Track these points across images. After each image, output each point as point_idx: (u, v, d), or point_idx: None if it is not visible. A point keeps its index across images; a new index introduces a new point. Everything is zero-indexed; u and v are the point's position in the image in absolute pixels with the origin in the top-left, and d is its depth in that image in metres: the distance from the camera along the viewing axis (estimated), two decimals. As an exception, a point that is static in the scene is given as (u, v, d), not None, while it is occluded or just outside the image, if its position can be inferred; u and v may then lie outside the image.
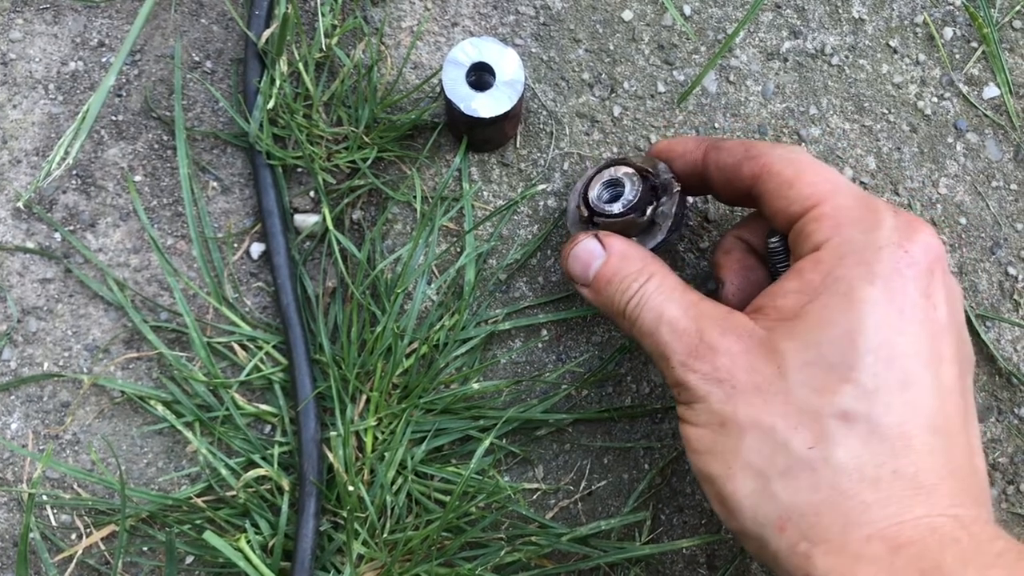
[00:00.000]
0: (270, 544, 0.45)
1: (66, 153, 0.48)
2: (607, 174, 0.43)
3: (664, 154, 0.43)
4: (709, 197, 0.49)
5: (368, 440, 0.46)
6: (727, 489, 0.33)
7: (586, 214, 0.43)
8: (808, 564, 0.31)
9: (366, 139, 0.48)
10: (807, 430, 0.32)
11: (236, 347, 0.48)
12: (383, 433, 0.46)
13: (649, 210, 0.42)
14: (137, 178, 0.49)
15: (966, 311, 0.49)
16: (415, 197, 0.48)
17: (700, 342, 0.36)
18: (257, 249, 0.49)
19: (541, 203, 0.49)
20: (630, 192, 0.42)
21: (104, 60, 0.51)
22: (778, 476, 0.32)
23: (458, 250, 0.48)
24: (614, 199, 0.42)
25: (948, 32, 0.52)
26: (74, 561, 0.46)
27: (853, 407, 0.32)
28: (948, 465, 0.33)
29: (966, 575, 0.29)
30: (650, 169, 0.43)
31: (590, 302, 0.42)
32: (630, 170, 0.43)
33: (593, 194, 0.43)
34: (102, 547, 0.46)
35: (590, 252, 0.41)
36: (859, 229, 0.35)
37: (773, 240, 0.40)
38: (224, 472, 0.46)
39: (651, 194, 0.42)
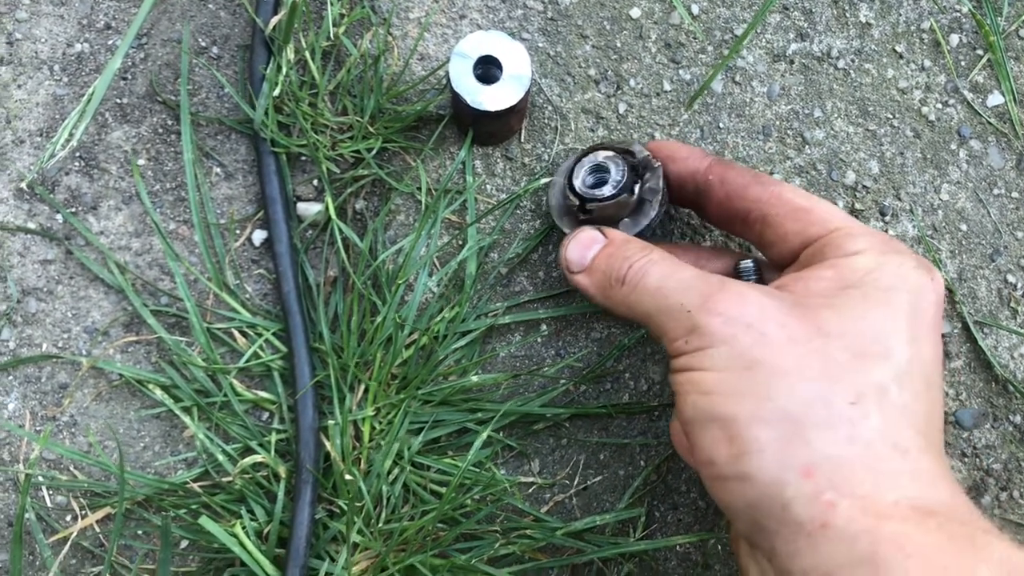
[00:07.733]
0: (265, 531, 0.45)
1: (70, 135, 0.48)
2: (588, 161, 0.43)
3: (663, 152, 0.44)
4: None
5: (366, 430, 0.46)
6: (750, 430, 0.33)
7: (576, 202, 0.43)
8: (831, 512, 0.31)
9: (371, 129, 0.48)
10: (848, 388, 0.33)
11: (236, 333, 0.48)
12: (381, 423, 0.46)
13: (637, 188, 0.42)
14: (141, 162, 0.49)
15: (964, 317, 0.50)
16: (419, 188, 0.48)
17: (721, 289, 0.36)
18: (259, 236, 0.49)
19: (544, 198, 0.49)
20: (616, 173, 0.42)
21: (110, 43, 0.51)
22: (814, 425, 0.33)
23: (460, 243, 0.48)
24: (601, 183, 0.43)
25: (954, 39, 0.52)
26: (69, 542, 0.46)
27: (888, 384, 0.34)
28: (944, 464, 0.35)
29: (998, 547, 0.30)
30: (628, 149, 0.43)
31: (584, 289, 0.41)
32: (610, 153, 0.43)
33: (578, 182, 0.43)
34: (97, 529, 0.46)
35: (592, 238, 0.42)
36: (892, 249, 0.38)
37: (746, 263, 0.43)
38: (221, 458, 0.46)
39: (634, 173, 0.43)
